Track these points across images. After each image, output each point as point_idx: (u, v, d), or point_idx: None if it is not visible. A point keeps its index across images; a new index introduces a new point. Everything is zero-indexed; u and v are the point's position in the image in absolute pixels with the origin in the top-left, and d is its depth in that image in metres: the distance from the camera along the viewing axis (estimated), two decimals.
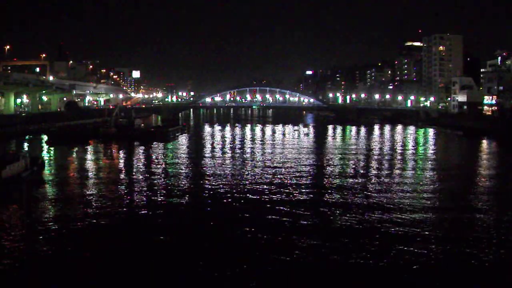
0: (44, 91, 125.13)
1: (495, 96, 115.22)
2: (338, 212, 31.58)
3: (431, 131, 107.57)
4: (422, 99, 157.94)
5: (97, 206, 33.15)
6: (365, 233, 26.81)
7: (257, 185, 40.55)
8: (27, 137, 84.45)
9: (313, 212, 31.70)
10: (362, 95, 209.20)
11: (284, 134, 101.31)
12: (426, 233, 26.98)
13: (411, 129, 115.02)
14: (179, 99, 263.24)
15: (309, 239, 25.96)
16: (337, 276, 21.10)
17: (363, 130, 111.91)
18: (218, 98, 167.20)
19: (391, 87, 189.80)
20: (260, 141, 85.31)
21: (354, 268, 21.99)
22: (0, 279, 20.65)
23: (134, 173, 48.56)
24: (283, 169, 49.49)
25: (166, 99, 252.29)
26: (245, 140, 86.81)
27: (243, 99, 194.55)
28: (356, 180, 43.70)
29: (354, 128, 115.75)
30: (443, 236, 26.79)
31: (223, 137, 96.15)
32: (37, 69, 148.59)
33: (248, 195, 36.82)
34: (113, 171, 50.63)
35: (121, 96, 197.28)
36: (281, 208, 32.64)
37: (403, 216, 30.31)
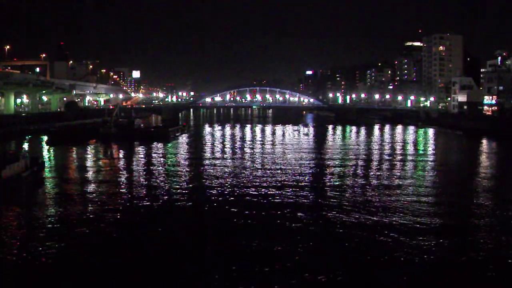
0: (44, 91, 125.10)
1: (495, 96, 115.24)
2: (337, 212, 31.53)
3: (431, 131, 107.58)
4: (422, 99, 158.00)
5: (97, 206, 33.12)
6: (364, 234, 26.77)
7: (257, 185, 40.48)
8: (27, 137, 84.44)
9: (312, 213, 31.66)
10: (362, 95, 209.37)
11: (284, 134, 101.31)
12: (426, 232, 26.97)
13: (411, 129, 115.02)
14: (179, 99, 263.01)
15: (307, 239, 25.99)
16: (335, 280, 21.06)
17: (363, 130, 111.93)
18: (218, 98, 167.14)
19: (391, 87, 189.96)
20: (260, 141, 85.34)
21: (352, 270, 21.99)
22: (0, 279, 20.63)
23: (134, 173, 48.56)
24: (283, 169, 49.44)
25: (166, 99, 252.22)
26: (245, 140, 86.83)
27: (243, 99, 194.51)
28: (356, 181, 43.63)
29: (354, 128, 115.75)
30: (442, 234, 26.77)
31: (223, 137, 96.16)
32: (37, 69, 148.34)
33: (247, 195, 36.76)
34: (113, 171, 50.62)
35: (121, 96, 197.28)
36: (280, 207, 32.64)
37: (403, 215, 30.29)
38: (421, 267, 22.07)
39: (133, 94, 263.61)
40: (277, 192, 37.67)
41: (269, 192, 37.51)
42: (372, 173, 48.25)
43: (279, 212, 31.23)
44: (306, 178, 44.63)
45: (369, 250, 24.06)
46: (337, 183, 42.33)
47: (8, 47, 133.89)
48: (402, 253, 23.59)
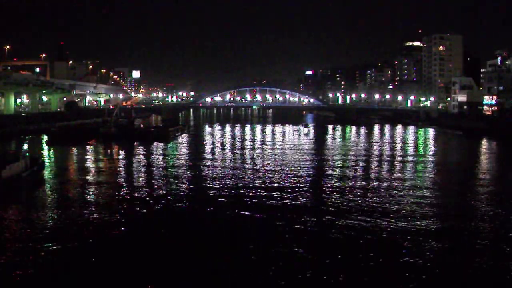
0: (44, 91, 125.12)
1: (495, 96, 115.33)
2: (337, 214, 31.53)
3: (431, 131, 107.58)
4: (422, 99, 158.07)
5: (97, 206, 33.12)
6: (364, 236, 26.75)
7: (257, 186, 40.49)
8: (27, 137, 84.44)
9: (312, 214, 31.65)
10: (362, 95, 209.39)
11: (284, 135, 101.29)
12: (426, 233, 26.97)
13: (411, 129, 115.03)
14: (179, 99, 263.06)
15: (307, 241, 25.98)
16: (335, 281, 21.04)
17: (363, 130, 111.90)
18: (218, 98, 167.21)
19: (391, 87, 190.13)
20: (260, 141, 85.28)
21: (353, 272, 21.99)
22: (0, 279, 20.63)
23: (134, 174, 48.56)
24: (283, 170, 49.43)
25: (166, 99, 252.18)
26: (245, 140, 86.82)
27: (243, 99, 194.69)
28: (355, 181, 43.56)
29: (354, 128, 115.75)
30: (443, 235, 26.77)
31: (223, 137, 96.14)
32: (37, 69, 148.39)
33: (247, 196, 36.72)
34: (113, 171, 50.59)
35: (121, 96, 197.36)
36: (280, 208, 32.67)
37: (402, 216, 30.31)
38: (421, 269, 22.05)
39: (133, 94, 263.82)
40: (277, 193, 37.58)
41: (269, 194, 37.42)
42: (372, 174, 48.24)
43: (279, 214, 31.18)
44: (306, 179, 44.58)
45: (369, 252, 24.02)
46: (337, 184, 42.28)
47: (8, 47, 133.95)
48: (402, 255, 23.58)
